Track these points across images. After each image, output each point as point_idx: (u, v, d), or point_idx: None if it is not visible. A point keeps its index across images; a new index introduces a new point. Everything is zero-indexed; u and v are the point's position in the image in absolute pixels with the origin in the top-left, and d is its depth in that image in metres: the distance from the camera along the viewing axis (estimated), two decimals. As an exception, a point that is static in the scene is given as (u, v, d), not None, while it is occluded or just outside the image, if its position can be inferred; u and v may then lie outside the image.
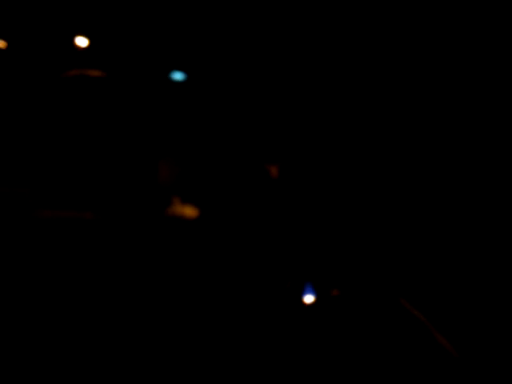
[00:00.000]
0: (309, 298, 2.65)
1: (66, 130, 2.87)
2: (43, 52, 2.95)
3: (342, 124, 2.96)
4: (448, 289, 2.74)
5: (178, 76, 2.95)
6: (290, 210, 2.82)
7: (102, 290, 2.43)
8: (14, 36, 2.99)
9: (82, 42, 2.96)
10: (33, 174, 2.73)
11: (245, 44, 2.98)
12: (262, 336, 2.44)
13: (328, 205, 2.80)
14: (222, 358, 2.41)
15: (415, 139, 2.93)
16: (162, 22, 3.00)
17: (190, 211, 2.71)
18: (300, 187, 2.85)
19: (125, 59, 2.96)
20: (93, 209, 2.68)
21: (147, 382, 2.35)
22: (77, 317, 2.38)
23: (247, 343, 2.44)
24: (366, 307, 2.57)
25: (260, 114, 2.95)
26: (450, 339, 2.51)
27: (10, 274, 2.48)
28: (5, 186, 2.72)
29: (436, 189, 2.87)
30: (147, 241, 2.64)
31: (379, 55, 2.92)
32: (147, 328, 2.37)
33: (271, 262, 2.55)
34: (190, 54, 2.95)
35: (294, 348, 2.47)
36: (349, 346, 2.53)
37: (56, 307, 2.37)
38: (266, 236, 2.67)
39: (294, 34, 2.97)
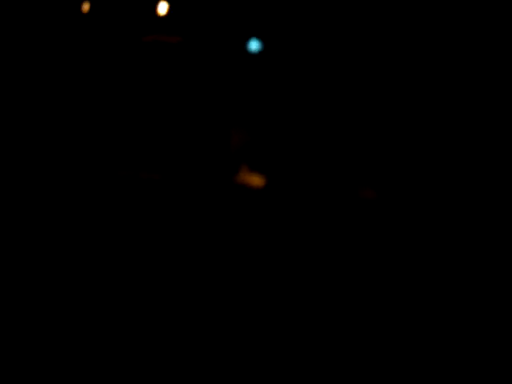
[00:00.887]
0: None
1: (144, 94, 2.91)
2: (124, 17, 3.00)
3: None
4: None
5: (254, 45, 2.97)
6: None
7: (163, 250, 2.48)
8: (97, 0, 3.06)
9: (161, 8, 3.01)
10: (113, 136, 2.78)
11: (321, 17, 2.98)
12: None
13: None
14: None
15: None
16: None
17: (257, 180, 2.70)
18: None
19: (202, 26, 2.99)
20: (162, 171, 2.72)
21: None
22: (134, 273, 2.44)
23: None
24: None
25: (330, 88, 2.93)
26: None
27: (92, 219, 2.56)
28: (93, 149, 2.79)
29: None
30: (213, 206, 2.67)
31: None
32: (213, 294, 2.40)
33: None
34: (267, 24, 2.95)
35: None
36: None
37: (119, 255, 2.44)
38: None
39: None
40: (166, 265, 2.49)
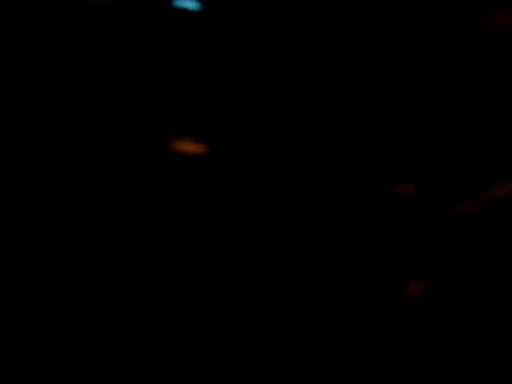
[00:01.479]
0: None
1: (77, 54, 2.78)
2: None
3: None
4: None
5: (191, 4, 2.87)
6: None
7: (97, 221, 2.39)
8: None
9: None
10: (41, 101, 2.66)
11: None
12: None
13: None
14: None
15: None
16: None
17: (193, 147, 2.66)
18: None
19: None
20: (98, 139, 2.61)
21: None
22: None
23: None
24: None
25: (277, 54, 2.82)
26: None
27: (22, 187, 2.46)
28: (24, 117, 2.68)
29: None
30: (147, 175, 2.56)
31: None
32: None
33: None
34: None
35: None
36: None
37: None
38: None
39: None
40: (100, 241, 2.44)
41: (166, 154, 2.67)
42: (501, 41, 2.68)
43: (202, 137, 2.70)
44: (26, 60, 2.77)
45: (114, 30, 2.83)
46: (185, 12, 2.84)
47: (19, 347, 2.27)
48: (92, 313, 2.35)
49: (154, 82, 2.76)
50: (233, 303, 2.41)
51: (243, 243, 2.50)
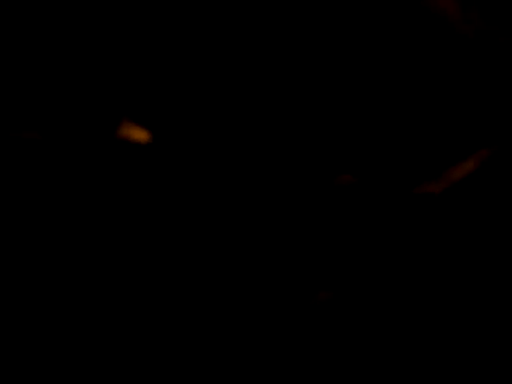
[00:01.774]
0: None
1: (19, 45, 2.69)
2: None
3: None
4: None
5: None
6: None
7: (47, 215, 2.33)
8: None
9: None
10: None
11: None
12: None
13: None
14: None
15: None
16: None
17: (140, 134, 2.62)
18: None
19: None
20: (43, 130, 2.58)
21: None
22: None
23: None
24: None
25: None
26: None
27: None
28: None
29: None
30: (95, 164, 2.57)
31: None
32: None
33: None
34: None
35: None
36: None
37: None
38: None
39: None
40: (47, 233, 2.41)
41: (113, 140, 2.65)
42: (448, 23, 2.75)
43: (149, 123, 2.64)
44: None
45: (54, 16, 2.68)
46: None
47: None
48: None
49: (99, 67, 2.67)
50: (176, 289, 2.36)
51: (185, 233, 2.49)
